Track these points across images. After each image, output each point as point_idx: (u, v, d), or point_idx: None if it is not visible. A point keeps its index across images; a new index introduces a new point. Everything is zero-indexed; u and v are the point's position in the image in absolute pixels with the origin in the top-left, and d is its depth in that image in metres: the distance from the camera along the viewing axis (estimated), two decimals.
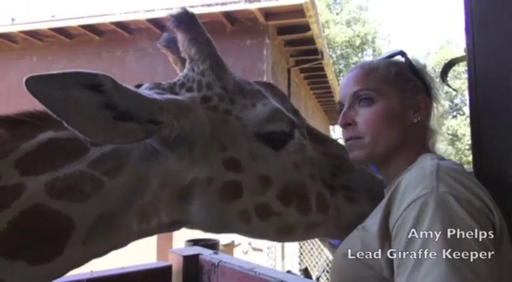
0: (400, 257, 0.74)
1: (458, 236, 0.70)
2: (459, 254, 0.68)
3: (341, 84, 1.09)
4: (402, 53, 1.09)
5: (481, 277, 0.66)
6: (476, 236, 0.70)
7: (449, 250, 0.68)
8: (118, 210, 0.83)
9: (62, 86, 0.67)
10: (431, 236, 0.70)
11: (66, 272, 0.82)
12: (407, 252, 0.73)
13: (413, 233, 0.73)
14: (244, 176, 0.90)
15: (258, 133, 0.93)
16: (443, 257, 0.67)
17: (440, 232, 0.70)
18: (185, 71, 0.99)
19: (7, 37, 8.89)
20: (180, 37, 0.99)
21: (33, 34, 8.72)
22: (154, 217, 0.87)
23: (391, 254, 0.78)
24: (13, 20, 9.23)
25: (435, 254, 0.68)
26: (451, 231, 0.70)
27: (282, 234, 0.96)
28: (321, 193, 0.98)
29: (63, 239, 0.77)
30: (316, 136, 1.09)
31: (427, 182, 0.78)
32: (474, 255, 0.68)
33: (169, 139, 0.84)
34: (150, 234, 0.91)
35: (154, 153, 0.87)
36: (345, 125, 1.01)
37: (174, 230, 0.95)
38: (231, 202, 0.89)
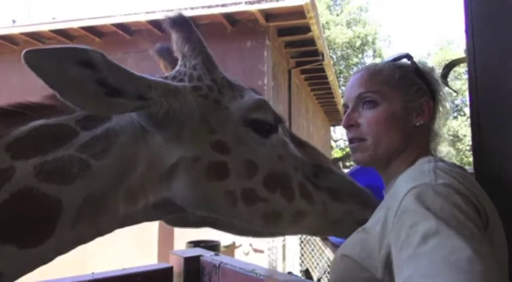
0: (402, 240, 0.71)
1: (459, 218, 0.70)
2: (466, 233, 0.67)
3: (347, 86, 1.11)
4: (408, 56, 1.09)
5: (485, 254, 0.65)
6: (474, 224, 0.70)
7: (456, 227, 0.68)
8: (105, 192, 0.84)
9: (57, 61, 0.71)
10: (437, 213, 0.70)
11: (55, 257, 0.82)
12: (412, 231, 0.70)
13: (413, 217, 0.72)
14: (231, 158, 0.92)
15: (245, 119, 0.97)
16: (453, 232, 0.66)
17: (437, 217, 0.70)
18: (177, 67, 1.03)
19: (8, 39, 8.91)
20: (174, 36, 1.05)
21: (34, 36, 8.74)
22: (141, 198, 0.88)
23: (392, 242, 0.76)
24: (14, 21, 9.26)
25: (443, 229, 0.67)
26: (454, 212, 0.71)
27: (269, 221, 0.96)
28: (304, 184, 1.01)
29: (52, 221, 0.78)
30: (298, 140, 1.12)
31: (424, 176, 0.80)
32: (477, 236, 0.68)
33: (158, 116, 0.87)
34: (136, 220, 0.92)
35: (143, 134, 0.89)
36: (348, 126, 1.04)
37: (160, 215, 0.95)
38: (217, 181, 0.90)
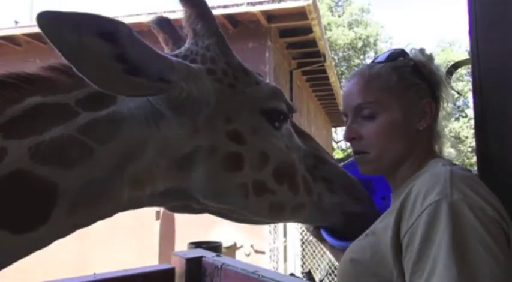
0: (413, 264, 0.74)
1: (469, 245, 0.70)
2: (470, 262, 0.68)
3: (343, 93, 1.08)
4: (404, 53, 1.04)
5: None
6: (486, 245, 0.70)
7: (460, 258, 0.68)
8: (108, 177, 0.79)
9: (77, 29, 0.63)
10: (443, 243, 0.70)
11: (52, 242, 0.77)
12: (421, 260, 0.72)
13: (426, 240, 0.73)
14: (246, 149, 0.91)
15: (262, 108, 0.96)
16: (454, 263, 0.67)
17: (451, 240, 0.70)
18: (187, 45, 0.97)
19: (11, 40, 8.92)
20: (186, 12, 0.98)
21: (37, 37, 8.74)
22: (149, 185, 0.84)
23: (404, 261, 0.78)
24: (17, 22, 9.28)
25: (446, 260, 0.68)
26: (462, 240, 0.70)
27: (274, 212, 0.97)
28: (306, 176, 1.02)
29: (48, 206, 0.73)
30: (299, 130, 1.11)
31: (440, 188, 0.78)
32: (484, 263, 0.68)
33: (178, 101, 0.83)
34: (140, 205, 0.88)
35: (155, 119, 0.84)
36: (350, 140, 1.02)
37: (165, 202, 0.93)
38: (233, 173, 0.89)
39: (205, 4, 0.98)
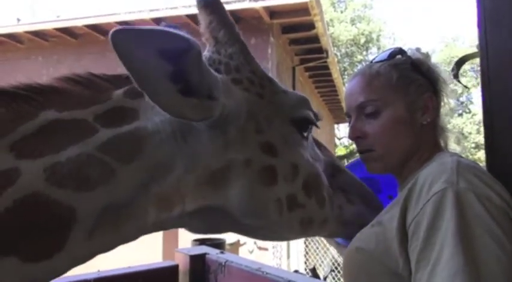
0: (418, 252, 0.73)
1: (475, 234, 0.69)
2: (476, 251, 0.67)
3: (345, 94, 1.09)
4: (401, 51, 1.06)
5: (494, 274, 0.65)
6: (493, 235, 0.69)
7: (466, 247, 0.67)
8: (132, 199, 0.72)
9: (153, 46, 0.64)
10: (449, 232, 0.70)
11: (68, 269, 0.71)
12: (426, 248, 0.72)
13: (431, 228, 0.72)
14: (279, 161, 0.86)
15: (292, 118, 0.92)
16: (461, 252, 0.67)
17: (457, 228, 0.69)
18: (208, 54, 0.93)
19: (13, 37, 8.93)
20: (205, 19, 0.95)
21: (39, 34, 8.75)
22: (177, 205, 0.78)
23: (410, 249, 0.77)
24: (19, 20, 9.28)
25: (452, 249, 0.68)
26: (468, 228, 0.70)
27: (303, 228, 0.93)
28: (328, 188, 0.99)
29: (64, 233, 0.66)
30: (314, 140, 1.08)
31: (447, 176, 0.77)
32: (491, 253, 0.67)
33: (220, 119, 0.79)
34: (167, 227, 0.83)
35: (183, 133, 0.78)
36: (355, 138, 1.01)
37: (193, 223, 0.87)
38: (269, 187, 0.84)
39: (225, 10, 0.94)
